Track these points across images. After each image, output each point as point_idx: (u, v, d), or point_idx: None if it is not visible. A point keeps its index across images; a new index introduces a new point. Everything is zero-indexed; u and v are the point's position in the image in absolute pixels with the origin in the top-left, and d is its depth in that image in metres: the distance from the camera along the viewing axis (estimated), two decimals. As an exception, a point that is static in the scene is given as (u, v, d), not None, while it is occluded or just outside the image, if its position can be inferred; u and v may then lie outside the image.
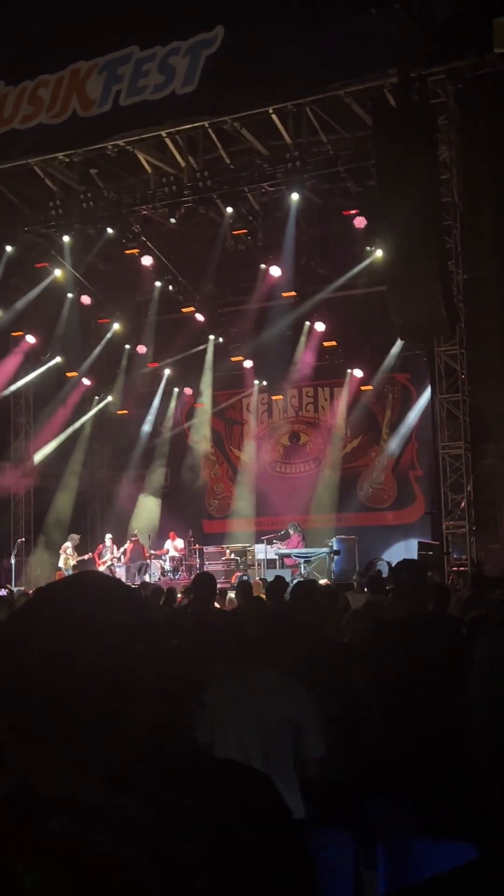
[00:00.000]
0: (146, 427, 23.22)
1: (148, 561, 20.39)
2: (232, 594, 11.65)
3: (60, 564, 20.01)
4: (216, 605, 8.76)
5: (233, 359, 21.95)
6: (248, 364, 22.05)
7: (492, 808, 1.27)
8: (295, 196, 16.59)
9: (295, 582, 10.94)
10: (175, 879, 1.18)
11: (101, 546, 20.89)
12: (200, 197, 16.73)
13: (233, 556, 20.23)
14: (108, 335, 21.84)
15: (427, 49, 13.86)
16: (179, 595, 12.29)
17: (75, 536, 20.58)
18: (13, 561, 19.96)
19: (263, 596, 10.44)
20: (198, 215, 17.86)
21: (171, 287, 20.27)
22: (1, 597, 12.67)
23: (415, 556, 16.08)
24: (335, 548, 18.61)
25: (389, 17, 13.43)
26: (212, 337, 21.91)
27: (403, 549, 18.82)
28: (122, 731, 1.31)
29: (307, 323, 20.57)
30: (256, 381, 22.53)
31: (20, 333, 20.68)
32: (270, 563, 19.04)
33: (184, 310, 20.66)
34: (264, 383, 22.49)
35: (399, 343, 19.26)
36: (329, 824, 4.13)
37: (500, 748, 1.23)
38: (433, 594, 7.07)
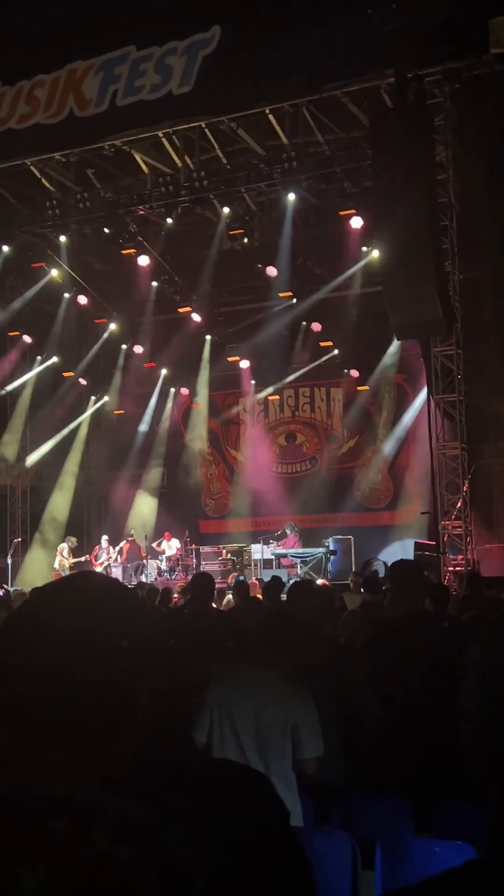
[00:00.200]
0: (143, 427, 23.23)
1: (144, 561, 20.38)
2: (229, 594, 11.65)
3: (56, 566, 19.99)
4: (213, 605, 8.76)
5: (229, 359, 21.97)
6: (244, 364, 22.06)
7: (488, 808, 1.27)
8: (291, 196, 16.59)
9: (291, 582, 10.96)
10: (173, 879, 1.18)
11: (97, 547, 20.88)
12: (197, 197, 16.74)
13: (229, 556, 20.23)
14: (105, 335, 21.84)
15: (423, 49, 13.87)
16: (176, 595, 12.29)
17: (72, 539, 20.55)
18: (9, 561, 19.96)
19: (260, 596, 10.45)
20: (194, 215, 17.88)
21: (167, 287, 20.26)
22: (-3, 597, 12.66)
23: (411, 556, 16.10)
24: (331, 548, 18.62)
25: (386, 17, 13.45)
26: (208, 337, 21.92)
27: (400, 550, 18.83)
28: (121, 731, 1.31)
29: (304, 323, 20.58)
30: (253, 381, 22.53)
31: (17, 333, 20.70)
32: (267, 564, 19.05)
33: (180, 310, 20.66)
34: (261, 383, 22.49)
35: (395, 343, 19.29)
36: (327, 824, 4.13)
37: (495, 749, 1.24)
38: (432, 594, 7.07)
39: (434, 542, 16.20)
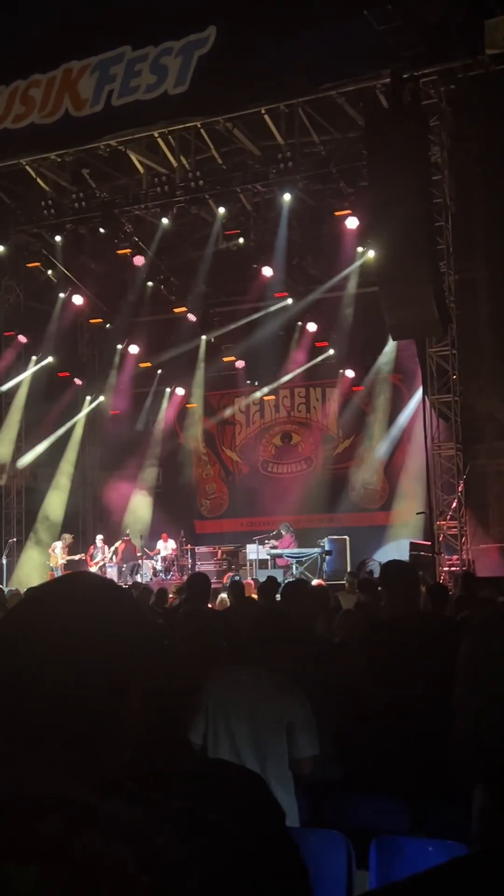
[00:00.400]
0: (138, 427, 23.20)
1: (140, 561, 20.37)
2: (224, 594, 11.65)
3: (51, 564, 19.97)
4: (208, 605, 8.76)
5: (225, 359, 21.95)
6: (239, 364, 22.05)
7: (473, 805, 1.27)
8: (287, 196, 16.59)
9: (286, 582, 10.95)
10: (166, 880, 1.18)
11: (92, 547, 20.85)
12: (192, 197, 16.73)
13: (225, 556, 20.23)
14: (100, 335, 21.81)
15: (419, 50, 13.90)
16: (171, 595, 12.28)
17: (67, 536, 20.53)
18: (4, 561, 19.94)
19: (255, 596, 10.45)
20: (190, 215, 17.87)
21: (162, 287, 20.25)
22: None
23: (407, 556, 16.11)
24: (327, 548, 18.63)
25: (382, 18, 13.46)
26: (204, 337, 21.89)
27: (395, 550, 18.81)
28: (115, 731, 1.31)
29: (299, 323, 20.58)
30: (248, 382, 22.52)
31: (12, 333, 20.67)
32: (262, 564, 19.05)
33: (175, 310, 20.64)
34: (256, 383, 22.48)
35: (391, 343, 19.29)
36: (321, 823, 4.13)
37: (478, 746, 1.24)
38: (431, 594, 7.08)
39: (429, 543, 16.21)
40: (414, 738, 4.34)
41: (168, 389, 23.24)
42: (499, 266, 16.76)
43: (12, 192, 18.26)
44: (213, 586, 9.73)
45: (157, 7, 15.75)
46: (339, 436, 21.97)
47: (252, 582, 14.78)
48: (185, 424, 23.45)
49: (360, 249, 17.84)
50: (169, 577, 19.32)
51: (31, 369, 21.41)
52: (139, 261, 18.82)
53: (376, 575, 12.86)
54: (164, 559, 20.26)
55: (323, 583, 13.77)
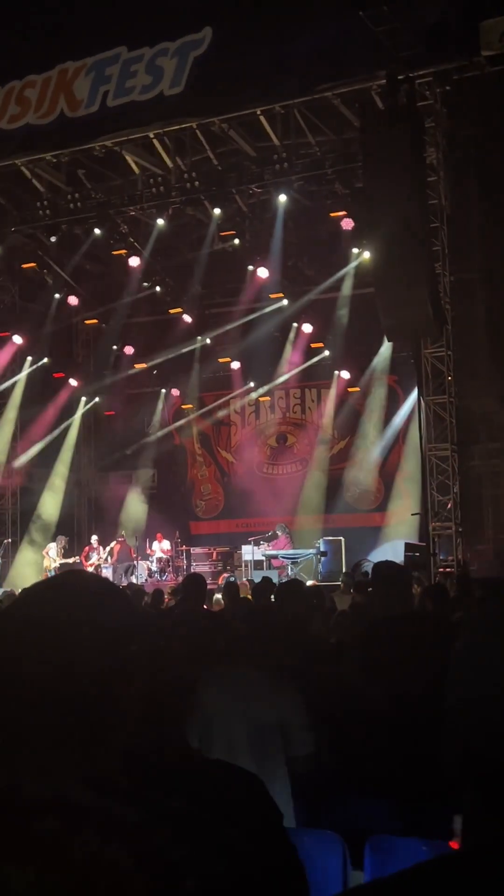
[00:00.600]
0: (133, 428, 23.18)
1: (135, 562, 20.36)
2: (218, 595, 11.65)
3: (44, 565, 19.94)
4: (204, 606, 8.75)
5: (220, 360, 21.96)
6: (235, 365, 22.06)
7: (460, 806, 1.28)
8: (282, 197, 16.60)
9: (281, 583, 10.96)
10: (162, 881, 1.18)
11: (87, 548, 20.84)
12: (188, 198, 16.74)
13: (220, 557, 20.23)
14: (96, 336, 21.79)
15: (414, 51, 13.91)
16: (167, 596, 12.29)
17: (62, 538, 20.50)
18: (-1, 561, 19.94)
19: (250, 597, 10.45)
20: (185, 216, 17.88)
21: (158, 288, 20.24)
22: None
23: (402, 557, 16.12)
24: (322, 549, 18.63)
25: (377, 19, 13.47)
26: (199, 338, 21.89)
27: (390, 551, 18.82)
28: (111, 732, 1.30)
29: (294, 324, 20.59)
30: (244, 383, 22.52)
31: (7, 334, 20.64)
32: (258, 565, 19.05)
33: (171, 311, 20.64)
34: (251, 384, 22.48)
35: (386, 344, 19.30)
36: (316, 824, 4.13)
37: (468, 745, 1.24)
38: (431, 594, 7.08)
39: (424, 544, 16.22)
40: (409, 739, 4.34)
41: (163, 390, 23.24)
42: (494, 267, 16.77)
43: (7, 192, 18.24)
44: (208, 587, 9.73)
45: (153, 8, 15.75)
46: (334, 437, 21.97)
47: (247, 583, 14.79)
48: (181, 425, 23.45)
49: (355, 250, 17.86)
50: (164, 578, 19.31)
51: (27, 370, 21.39)
52: (134, 261, 18.81)
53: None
54: (159, 560, 20.25)
55: (318, 584, 13.78)
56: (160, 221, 17.51)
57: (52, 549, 20.13)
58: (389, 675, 4.54)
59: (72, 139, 16.56)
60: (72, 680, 1.28)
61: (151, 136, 16.47)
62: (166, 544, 20.59)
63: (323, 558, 18.42)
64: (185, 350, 21.98)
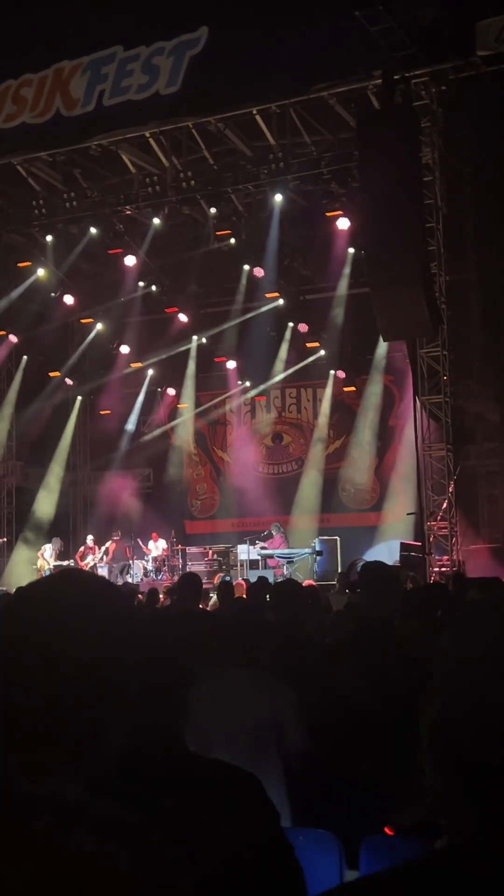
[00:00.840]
0: (129, 427, 23.16)
1: (130, 561, 20.34)
2: (214, 595, 11.65)
3: (37, 566, 19.88)
4: (200, 605, 8.75)
5: (216, 359, 21.95)
6: (231, 365, 22.05)
7: (441, 805, 1.28)
8: (278, 197, 16.59)
9: (276, 582, 10.96)
10: (158, 880, 1.18)
11: (83, 547, 20.81)
12: (184, 197, 16.72)
13: (215, 556, 20.22)
14: (91, 335, 21.77)
15: (410, 51, 13.92)
16: (162, 596, 12.28)
17: (58, 541, 20.46)
18: (-5, 561, 19.91)
19: (245, 596, 10.44)
20: (181, 215, 17.86)
21: (154, 287, 20.22)
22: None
23: (397, 556, 16.15)
24: (318, 548, 18.63)
25: (373, 19, 13.47)
26: (195, 337, 21.87)
27: (385, 550, 18.84)
28: (108, 730, 1.31)
29: (290, 324, 20.58)
30: (240, 382, 22.51)
31: (2, 333, 20.62)
32: (253, 564, 19.05)
33: (167, 310, 20.62)
34: (247, 384, 22.47)
35: (382, 344, 19.30)
36: (312, 824, 4.13)
37: (446, 746, 1.24)
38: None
39: (420, 543, 16.24)
40: (404, 737, 4.34)
41: (159, 389, 23.22)
42: (490, 267, 16.79)
43: (3, 191, 18.22)
44: (204, 587, 9.72)
45: (149, 7, 15.73)
46: (329, 436, 21.97)
47: (243, 582, 14.78)
48: (177, 425, 23.43)
49: (351, 250, 17.85)
50: (160, 578, 19.30)
51: (22, 369, 21.36)
52: (130, 261, 18.79)
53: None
54: (154, 560, 20.24)
55: (313, 583, 13.78)
56: (156, 220, 17.49)
57: (48, 550, 20.09)
58: (382, 675, 4.54)
59: (68, 138, 16.54)
60: (68, 679, 1.28)
61: (147, 135, 16.46)
62: (162, 543, 20.57)
63: (318, 558, 18.42)
64: (180, 349, 21.98)
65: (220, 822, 1.26)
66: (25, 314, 20.51)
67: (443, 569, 15.51)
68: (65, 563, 20.05)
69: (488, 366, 17.11)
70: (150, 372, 22.74)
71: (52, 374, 21.75)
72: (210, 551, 20.49)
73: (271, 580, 12.86)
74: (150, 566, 20.15)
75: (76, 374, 22.40)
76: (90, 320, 21.57)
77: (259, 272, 18.56)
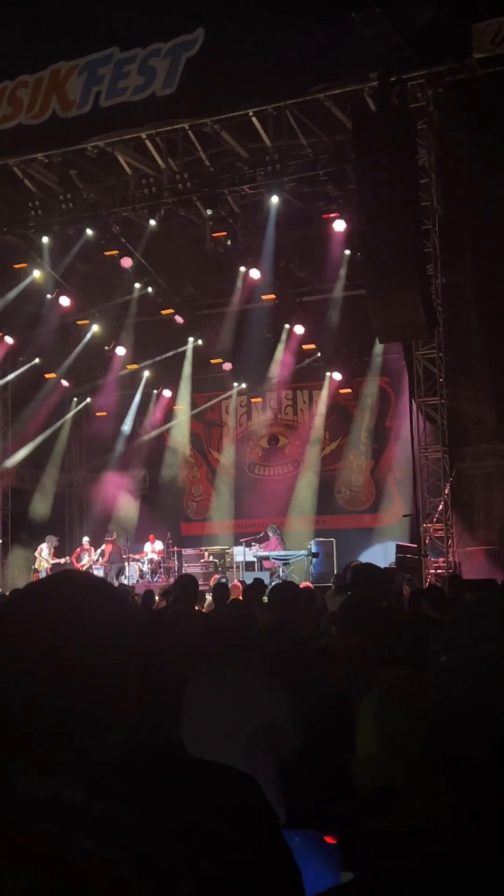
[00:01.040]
0: (125, 429, 23.15)
1: (124, 563, 20.32)
2: (209, 597, 11.64)
3: (35, 566, 19.90)
4: (196, 607, 8.74)
5: (212, 361, 21.93)
6: (227, 366, 22.04)
7: (442, 802, 1.28)
8: (274, 199, 16.60)
9: (273, 584, 10.96)
10: (158, 882, 1.18)
11: (79, 549, 20.80)
12: (180, 199, 16.72)
13: (211, 558, 20.20)
14: (87, 336, 21.76)
15: (407, 53, 13.92)
16: (158, 598, 12.27)
17: (53, 538, 20.46)
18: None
19: (241, 598, 10.44)
20: (178, 217, 17.85)
21: (150, 289, 20.21)
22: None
23: (393, 558, 16.15)
24: (313, 550, 18.63)
25: (370, 21, 13.48)
26: (191, 339, 21.88)
27: (381, 552, 18.86)
28: (107, 732, 1.30)
29: (286, 326, 20.58)
30: (235, 384, 22.51)
31: (-1, 334, 20.61)
32: (249, 566, 19.04)
33: (163, 312, 20.61)
34: (243, 386, 22.47)
35: (378, 346, 19.31)
36: (308, 825, 4.13)
37: (444, 746, 1.24)
38: (427, 597, 7.08)
39: (416, 545, 16.24)
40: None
41: (155, 391, 23.22)
42: (486, 269, 16.81)
43: (-1, 192, 18.23)
44: (199, 588, 9.72)
45: (146, 9, 15.73)
46: (325, 438, 21.97)
47: (239, 584, 14.77)
48: (172, 426, 23.43)
49: (347, 252, 17.86)
50: (155, 580, 19.29)
51: (18, 370, 21.35)
52: (126, 262, 18.78)
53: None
54: (150, 561, 20.23)
55: (310, 585, 13.78)
56: (152, 222, 17.49)
57: (44, 549, 20.10)
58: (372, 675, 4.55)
59: (64, 139, 16.53)
60: (66, 680, 1.28)
61: (144, 136, 16.46)
62: (159, 545, 20.56)
63: (314, 560, 18.42)
64: (176, 351, 21.97)
65: (219, 825, 1.26)
66: (21, 316, 20.49)
67: (438, 571, 15.52)
68: (62, 560, 20.06)
69: (484, 368, 17.12)
70: (146, 373, 22.73)
71: (47, 376, 21.72)
72: (206, 553, 20.47)
73: (267, 582, 12.85)
74: (145, 568, 20.14)
75: (72, 376, 22.38)
76: (86, 322, 21.56)
77: (255, 274, 18.55)
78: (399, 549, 16.66)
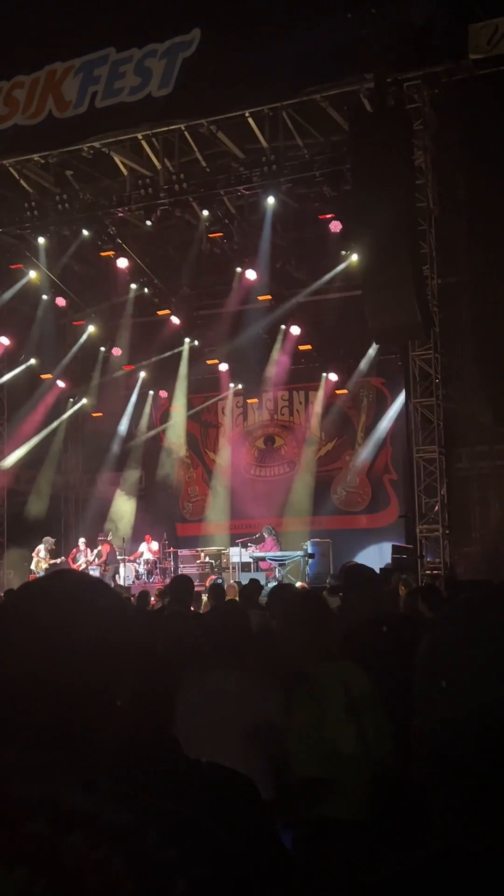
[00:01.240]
0: (121, 429, 23.15)
1: (119, 564, 20.31)
2: (205, 597, 11.63)
3: (32, 567, 19.89)
4: (192, 608, 8.74)
5: (208, 362, 21.93)
6: (223, 367, 22.05)
7: (431, 804, 1.28)
8: (271, 199, 16.59)
9: (270, 586, 10.96)
10: (153, 883, 1.18)
11: (75, 550, 20.80)
12: (176, 199, 16.70)
13: (207, 559, 20.20)
14: (83, 337, 21.76)
15: (403, 54, 13.93)
16: (154, 598, 12.26)
17: (50, 539, 20.44)
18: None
19: (237, 599, 10.44)
20: (174, 218, 17.83)
21: (146, 289, 20.21)
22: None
23: (389, 559, 16.15)
24: (310, 551, 18.63)
25: (365, 21, 13.49)
26: (187, 340, 21.88)
27: (377, 553, 18.88)
28: (103, 732, 1.30)
29: (282, 326, 20.58)
30: (232, 385, 22.52)
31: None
32: (245, 567, 19.04)
33: (159, 312, 20.61)
34: (240, 386, 22.48)
35: (374, 347, 19.33)
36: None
37: (436, 743, 1.24)
38: (424, 597, 7.07)
39: (411, 546, 16.24)
40: (392, 738, 4.34)
41: (151, 392, 23.23)
42: (482, 270, 16.81)
43: (-5, 193, 18.21)
44: (195, 589, 9.71)
45: (142, 9, 15.73)
46: (321, 439, 21.98)
47: (235, 585, 14.77)
48: (169, 427, 23.42)
49: (343, 253, 17.86)
50: (151, 581, 19.28)
51: (14, 371, 21.33)
52: (122, 263, 18.78)
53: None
54: (146, 562, 20.22)
55: (306, 586, 13.79)
56: (148, 223, 17.48)
57: (42, 549, 20.09)
58: (374, 676, 4.55)
59: (60, 140, 16.52)
60: (63, 680, 1.28)
61: (140, 137, 16.46)
62: (155, 546, 20.56)
63: (310, 560, 18.42)
64: (173, 352, 21.97)
65: (215, 825, 1.26)
66: (17, 316, 20.47)
67: (434, 571, 15.52)
68: (58, 560, 20.06)
69: (480, 369, 17.12)
70: (143, 374, 22.74)
71: (43, 377, 21.71)
72: (202, 554, 20.47)
73: (263, 583, 12.85)
74: (141, 569, 20.13)
75: (68, 377, 22.37)
76: (82, 322, 21.56)
77: (251, 275, 18.55)
78: (395, 549, 16.66)
